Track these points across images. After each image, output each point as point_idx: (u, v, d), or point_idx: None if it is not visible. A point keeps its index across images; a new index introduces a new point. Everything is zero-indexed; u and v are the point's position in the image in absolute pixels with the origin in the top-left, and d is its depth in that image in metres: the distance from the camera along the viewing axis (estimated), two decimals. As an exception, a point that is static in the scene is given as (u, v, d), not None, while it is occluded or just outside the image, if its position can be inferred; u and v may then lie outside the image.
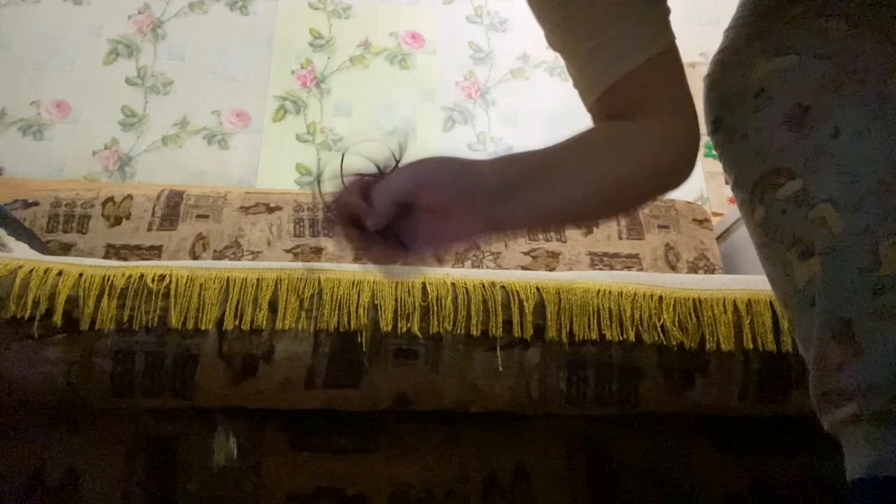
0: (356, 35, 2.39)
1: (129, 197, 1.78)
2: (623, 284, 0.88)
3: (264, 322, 0.83)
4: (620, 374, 0.84)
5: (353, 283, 0.85)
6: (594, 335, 0.84)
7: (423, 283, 0.86)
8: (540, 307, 0.85)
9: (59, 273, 0.84)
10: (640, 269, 1.75)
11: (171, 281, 0.84)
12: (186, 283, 0.84)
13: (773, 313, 0.86)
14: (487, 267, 1.74)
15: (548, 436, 0.90)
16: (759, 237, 0.58)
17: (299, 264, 0.89)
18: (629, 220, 1.81)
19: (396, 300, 0.84)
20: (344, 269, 0.88)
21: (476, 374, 0.83)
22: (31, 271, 0.84)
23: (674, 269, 1.76)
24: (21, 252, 1.05)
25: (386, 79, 2.34)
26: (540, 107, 2.34)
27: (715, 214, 2.07)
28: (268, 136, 2.21)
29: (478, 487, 0.88)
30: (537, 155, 0.62)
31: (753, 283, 0.90)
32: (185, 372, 0.81)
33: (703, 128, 0.64)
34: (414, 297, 0.85)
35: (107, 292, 0.83)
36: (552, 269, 1.74)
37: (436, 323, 0.84)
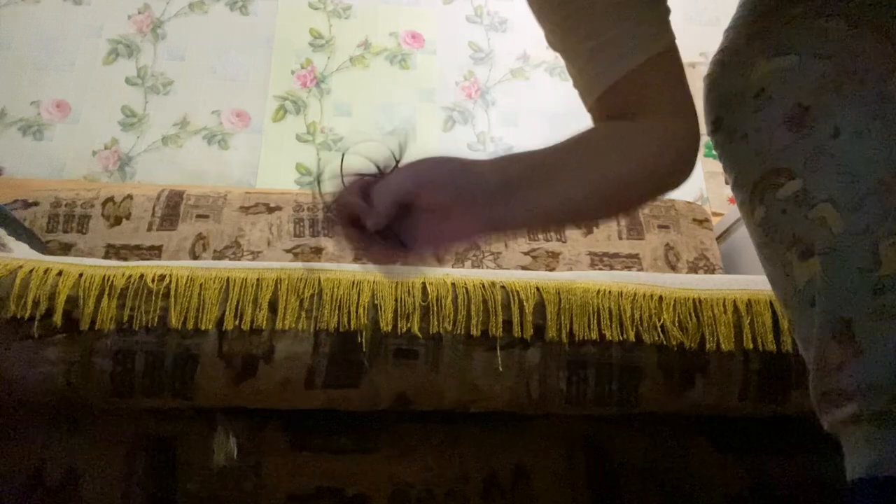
0: (356, 35, 2.39)
1: (129, 197, 1.78)
2: (623, 284, 0.88)
3: (264, 322, 0.83)
4: (620, 374, 0.84)
5: (353, 283, 0.85)
6: (594, 335, 0.84)
7: (423, 283, 0.86)
8: (540, 307, 0.85)
9: (59, 273, 0.84)
10: (640, 269, 1.75)
11: (171, 281, 0.84)
12: (186, 283, 0.84)
13: (773, 313, 0.86)
14: (487, 267, 1.74)
15: (548, 436, 0.90)
16: (759, 237, 0.58)
17: (299, 264, 0.89)
18: (629, 220, 1.81)
19: (396, 300, 0.84)
20: (344, 269, 0.88)
21: (476, 374, 0.83)
22: (31, 271, 0.84)
23: (674, 269, 1.76)
24: (21, 252, 1.05)
25: (386, 79, 2.34)
26: (540, 107, 2.33)
27: (715, 214, 2.07)
28: (268, 136, 2.21)
29: (478, 487, 0.88)
30: (537, 155, 0.62)
31: (753, 283, 0.90)
32: (185, 372, 0.81)
33: (703, 128, 0.64)
34: (414, 297, 0.85)
35: (107, 292, 0.83)
36: (552, 269, 1.74)
37: (436, 323, 0.84)
